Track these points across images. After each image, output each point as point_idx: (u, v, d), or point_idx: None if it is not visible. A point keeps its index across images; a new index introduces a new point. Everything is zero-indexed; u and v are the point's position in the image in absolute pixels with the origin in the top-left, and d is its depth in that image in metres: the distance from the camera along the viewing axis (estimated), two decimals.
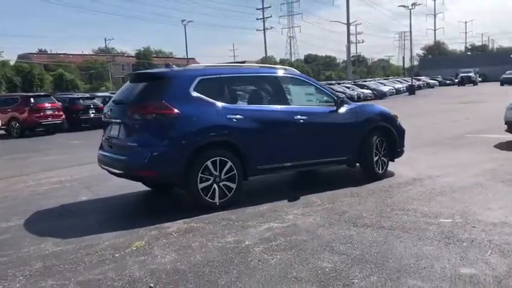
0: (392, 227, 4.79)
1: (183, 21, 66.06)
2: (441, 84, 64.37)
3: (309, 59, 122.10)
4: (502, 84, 51.93)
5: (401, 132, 7.56)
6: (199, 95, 5.77)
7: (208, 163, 5.65)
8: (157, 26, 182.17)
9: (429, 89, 56.42)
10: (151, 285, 3.61)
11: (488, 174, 7.15)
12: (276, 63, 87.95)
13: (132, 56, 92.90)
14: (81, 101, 21.87)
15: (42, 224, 5.60)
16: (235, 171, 5.83)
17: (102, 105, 22.42)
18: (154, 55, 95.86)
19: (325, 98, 6.95)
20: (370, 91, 40.03)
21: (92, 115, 21.54)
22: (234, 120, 5.88)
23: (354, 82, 46.77)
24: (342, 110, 6.88)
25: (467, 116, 17.79)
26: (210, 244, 4.50)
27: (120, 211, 6.29)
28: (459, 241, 4.26)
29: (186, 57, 72.51)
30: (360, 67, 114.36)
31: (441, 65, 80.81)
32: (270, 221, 5.21)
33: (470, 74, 62.21)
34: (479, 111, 20.22)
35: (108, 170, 6.15)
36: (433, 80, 63.06)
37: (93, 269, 3.98)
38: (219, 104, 5.87)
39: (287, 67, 7.08)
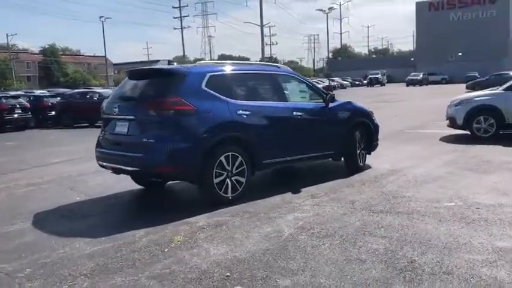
0: (408, 212, 5.23)
1: (101, 17, 63.27)
2: (352, 85, 68.09)
3: (224, 59, 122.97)
4: (407, 85, 56.30)
5: (376, 127, 8.14)
6: (210, 91, 5.84)
7: (222, 158, 5.75)
8: (63, 22, 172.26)
9: (342, 89, 59.45)
10: (228, 274, 3.70)
11: (453, 165, 7.94)
12: (191, 63, 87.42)
13: (37, 54, 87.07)
14: (4, 100, 20.29)
15: (56, 225, 5.34)
16: (244, 166, 5.98)
17: (28, 104, 21.09)
18: (61, 52, 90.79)
19: (315, 95, 7.31)
20: None
21: (17, 115, 20.15)
22: (244, 116, 6.03)
23: None
24: (330, 106, 7.28)
25: (395, 113, 19.15)
26: (252, 235, 4.64)
27: (127, 210, 6.19)
28: (476, 220, 4.80)
29: (104, 55, 69.54)
30: None
31: (349, 67, 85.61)
32: (291, 211, 5.44)
33: (378, 76, 66.74)
34: (401, 109, 21.90)
35: (113, 168, 5.99)
36: (345, 81, 66.49)
37: (154, 264, 3.97)
38: (229, 100, 5.99)
39: (280, 65, 7.33)
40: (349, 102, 7.73)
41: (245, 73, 6.58)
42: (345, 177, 7.24)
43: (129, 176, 6.52)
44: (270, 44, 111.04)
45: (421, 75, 58.15)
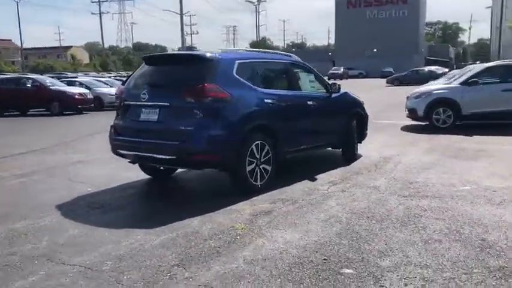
0: (436, 195, 5.58)
1: None
2: None
3: (140, 47, 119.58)
4: (329, 79, 58.29)
5: (367, 117, 8.52)
6: (241, 78, 5.80)
7: (253, 146, 5.75)
8: None
9: None
10: (325, 258, 3.77)
11: (434, 153, 8.54)
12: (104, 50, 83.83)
13: None
14: None
15: (91, 217, 5.02)
16: (270, 154, 6.02)
17: None
18: None
19: (320, 85, 7.48)
20: None
21: None
22: (270, 104, 6.07)
23: None
24: (333, 96, 7.51)
25: None
26: (311, 220, 4.72)
27: (156, 199, 5.92)
28: (502, 202, 5.26)
29: (20, 38, 64.39)
30: None
31: None
32: (326, 198, 5.57)
33: None
34: None
35: (139, 157, 5.75)
36: None
37: (239, 251, 3.93)
38: (257, 88, 5.98)
39: (291, 54, 7.41)
40: (346, 93, 8.01)
41: (267, 61, 6.59)
42: (344, 165, 7.51)
43: (124, 165, 6.36)
44: (191, 34, 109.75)
45: (342, 70, 60.72)
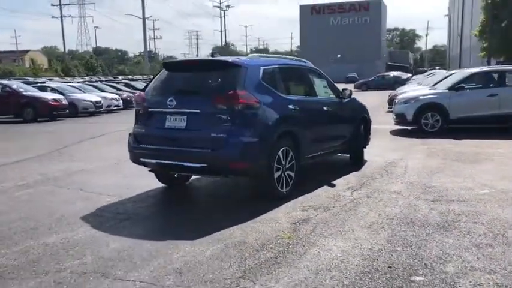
0: (461, 199, 5.67)
1: None
2: None
3: (100, 52, 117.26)
4: (346, 83, 59.15)
5: (370, 122, 8.63)
6: (266, 84, 5.75)
7: (280, 153, 5.70)
8: None
9: None
10: (390, 266, 3.75)
11: (436, 157, 8.73)
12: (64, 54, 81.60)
13: None
14: None
15: (125, 228, 4.82)
16: (294, 161, 5.99)
17: None
18: None
19: (332, 91, 7.51)
20: None
21: None
22: (293, 110, 6.04)
23: None
24: (344, 102, 7.56)
25: None
26: (354, 227, 4.70)
27: (181, 210, 5.70)
28: None
29: None
30: (152, 63, 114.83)
31: None
32: (356, 204, 5.58)
33: None
34: None
35: (166, 165, 5.58)
36: None
37: (300, 261, 3.86)
38: (281, 94, 5.94)
39: (305, 60, 7.39)
40: (354, 98, 8.07)
41: (287, 67, 6.56)
42: (355, 170, 7.56)
43: (131, 173, 6.18)
44: (154, 38, 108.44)
45: None
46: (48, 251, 4.18)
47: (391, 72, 48.72)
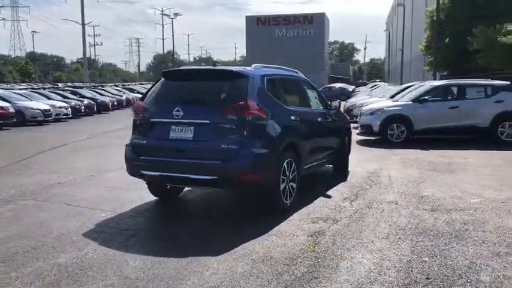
0: (456, 209, 5.84)
1: None
2: None
3: (35, 57, 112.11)
4: None
5: (351, 133, 8.77)
6: (270, 95, 5.69)
7: (285, 164, 5.65)
8: None
9: None
10: (427, 277, 3.78)
11: (411, 167, 9.00)
12: None
13: None
14: None
15: (138, 245, 4.57)
16: (296, 172, 5.95)
17: None
18: None
19: (321, 102, 7.56)
20: (140, 95, 39.96)
21: None
22: (295, 122, 6.01)
23: (115, 85, 45.79)
24: (332, 113, 7.64)
25: None
26: (372, 238, 4.72)
27: (183, 224, 5.48)
28: None
29: None
30: (91, 70, 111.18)
31: None
32: (362, 215, 5.61)
33: None
34: None
35: (171, 178, 5.34)
36: None
37: (336, 274, 3.81)
38: (283, 105, 5.91)
39: (296, 71, 7.38)
40: (339, 110, 8.17)
41: (286, 77, 6.54)
42: (342, 180, 7.63)
43: (112, 185, 5.92)
44: (94, 45, 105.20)
45: None
46: (64, 273, 3.86)
47: (336, 84, 50.07)
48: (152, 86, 5.90)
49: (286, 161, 5.65)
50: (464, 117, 12.15)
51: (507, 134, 12.12)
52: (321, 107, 7.45)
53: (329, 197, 6.55)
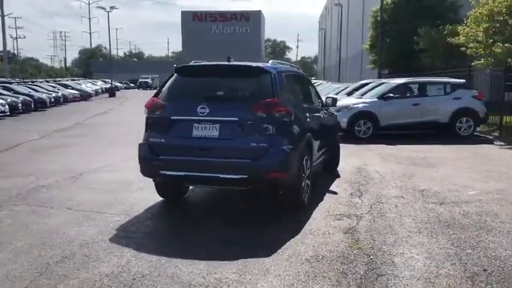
0: (462, 201, 6.09)
1: None
2: (126, 88, 66.85)
3: None
4: None
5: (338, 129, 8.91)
6: (288, 92, 5.62)
7: (304, 161, 5.62)
8: None
9: (117, 91, 57.70)
10: (484, 268, 3.90)
11: (391, 162, 9.30)
12: None
13: None
14: None
15: (183, 248, 4.32)
16: (310, 169, 5.94)
17: None
18: None
19: (319, 98, 7.57)
20: (76, 91, 38.16)
21: None
22: (308, 118, 6.01)
23: (47, 81, 43.33)
24: (329, 110, 7.71)
25: None
26: (406, 234, 4.81)
27: (213, 225, 5.24)
28: None
29: None
30: (11, 64, 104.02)
31: (108, 69, 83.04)
32: (383, 212, 5.71)
33: (148, 80, 67.66)
34: None
35: (192, 177, 5.11)
36: (120, 83, 64.79)
37: (401, 268, 3.84)
38: (297, 101, 5.88)
39: (298, 67, 7.32)
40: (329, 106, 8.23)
41: (295, 74, 6.46)
42: (336, 177, 7.71)
43: (105, 187, 5.72)
44: (16, 37, 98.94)
45: None
46: (118, 283, 3.57)
47: None
48: (165, 83, 5.60)
49: (305, 158, 5.61)
50: (425, 114, 12.74)
51: (464, 129, 12.85)
52: (320, 104, 7.47)
53: (335, 193, 6.59)
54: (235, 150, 5.00)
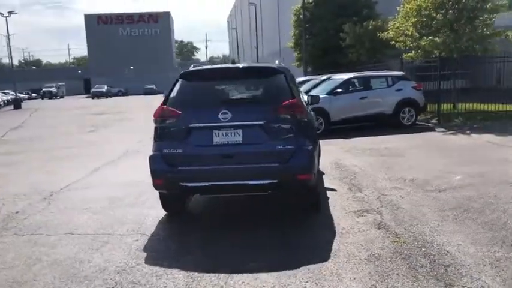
0: (455, 187, 6.38)
1: None
2: (29, 98, 62.35)
3: None
4: (93, 97, 55.95)
5: None
6: (296, 91, 5.56)
7: (318, 161, 5.58)
8: None
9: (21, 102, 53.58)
10: None
11: (361, 155, 9.56)
12: None
13: None
14: None
15: (226, 261, 4.05)
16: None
17: None
18: None
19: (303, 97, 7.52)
20: None
21: None
22: (314, 117, 5.98)
23: None
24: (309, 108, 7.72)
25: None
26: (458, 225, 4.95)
27: (236, 237, 4.98)
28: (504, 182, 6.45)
29: None
30: None
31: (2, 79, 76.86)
32: (401, 197, 5.83)
33: (52, 89, 63.77)
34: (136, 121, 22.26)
35: (218, 187, 4.82)
36: (20, 93, 60.15)
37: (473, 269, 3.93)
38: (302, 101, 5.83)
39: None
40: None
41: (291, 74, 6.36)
42: (323, 173, 7.75)
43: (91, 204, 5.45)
44: None
45: (105, 88, 58.83)
46: None
47: None
48: (172, 90, 5.23)
49: (318, 158, 5.57)
50: (372, 106, 13.28)
51: (407, 119, 13.58)
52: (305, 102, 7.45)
53: (334, 190, 6.62)
54: (262, 154, 4.81)
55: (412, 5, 15.07)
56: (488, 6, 14.92)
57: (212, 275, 3.83)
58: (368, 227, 4.90)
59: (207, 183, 4.81)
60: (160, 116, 5.00)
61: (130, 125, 19.67)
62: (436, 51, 15.24)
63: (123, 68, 70.51)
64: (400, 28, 16.07)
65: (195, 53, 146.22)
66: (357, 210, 5.52)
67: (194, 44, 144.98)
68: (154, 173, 4.96)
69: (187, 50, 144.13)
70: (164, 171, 4.89)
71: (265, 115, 4.84)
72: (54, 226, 5.47)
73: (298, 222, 5.21)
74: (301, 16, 25.46)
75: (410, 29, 15.62)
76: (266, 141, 4.81)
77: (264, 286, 3.60)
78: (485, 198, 5.74)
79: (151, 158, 5.00)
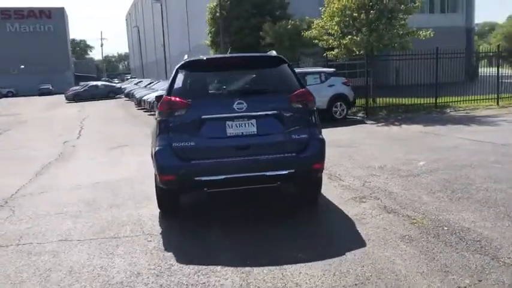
0: (429, 171, 6.79)
1: None
2: None
3: None
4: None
5: None
6: None
7: None
8: None
9: None
10: None
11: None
12: None
13: None
14: None
15: (277, 257, 3.92)
16: None
17: None
18: None
19: None
20: None
21: None
22: None
23: None
24: None
25: (77, 130, 18.51)
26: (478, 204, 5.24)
27: (256, 231, 4.80)
28: (467, 166, 7.00)
29: None
30: None
31: None
32: (393, 184, 6.06)
33: None
34: (60, 125, 20.94)
35: (235, 180, 4.61)
36: None
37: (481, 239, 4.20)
38: None
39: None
40: None
41: None
42: None
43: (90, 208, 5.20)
44: None
45: None
46: None
47: (98, 82, 47.85)
48: (173, 81, 4.91)
49: None
50: None
51: (339, 113, 14.19)
52: None
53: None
54: (278, 144, 4.72)
55: (338, 4, 15.73)
56: (402, 7, 16.08)
57: (264, 268, 3.68)
58: (377, 212, 5.03)
59: (222, 177, 4.60)
60: (168, 108, 4.68)
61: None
62: (356, 50, 16.11)
63: (13, 67, 64.82)
64: (325, 27, 16.71)
65: (88, 52, 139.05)
66: (354, 197, 5.65)
67: (87, 43, 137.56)
68: (164, 169, 4.63)
69: (79, 48, 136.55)
70: (176, 166, 4.59)
71: (279, 104, 4.76)
72: (39, 234, 4.88)
73: (307, 212, 5.19)
74: (217, 14, 25.35)
75: (335, 28, 16.30)
76: (281, 132, 4.73)
77: (323, 275, 3.53)
78: (460, 180, 6.17)
79: (157, 153, 4.66)
